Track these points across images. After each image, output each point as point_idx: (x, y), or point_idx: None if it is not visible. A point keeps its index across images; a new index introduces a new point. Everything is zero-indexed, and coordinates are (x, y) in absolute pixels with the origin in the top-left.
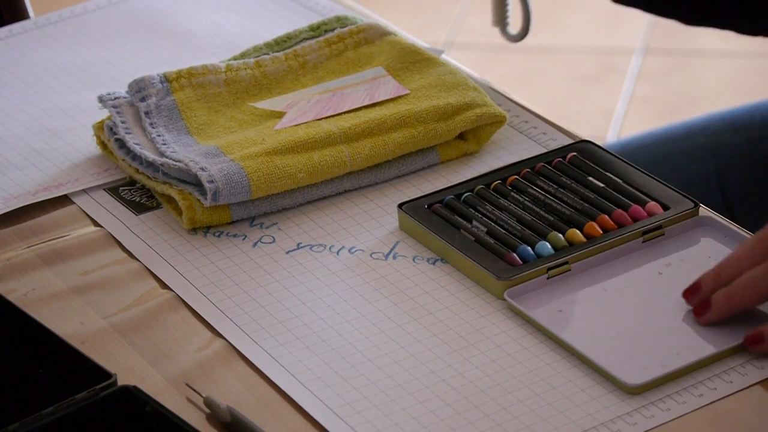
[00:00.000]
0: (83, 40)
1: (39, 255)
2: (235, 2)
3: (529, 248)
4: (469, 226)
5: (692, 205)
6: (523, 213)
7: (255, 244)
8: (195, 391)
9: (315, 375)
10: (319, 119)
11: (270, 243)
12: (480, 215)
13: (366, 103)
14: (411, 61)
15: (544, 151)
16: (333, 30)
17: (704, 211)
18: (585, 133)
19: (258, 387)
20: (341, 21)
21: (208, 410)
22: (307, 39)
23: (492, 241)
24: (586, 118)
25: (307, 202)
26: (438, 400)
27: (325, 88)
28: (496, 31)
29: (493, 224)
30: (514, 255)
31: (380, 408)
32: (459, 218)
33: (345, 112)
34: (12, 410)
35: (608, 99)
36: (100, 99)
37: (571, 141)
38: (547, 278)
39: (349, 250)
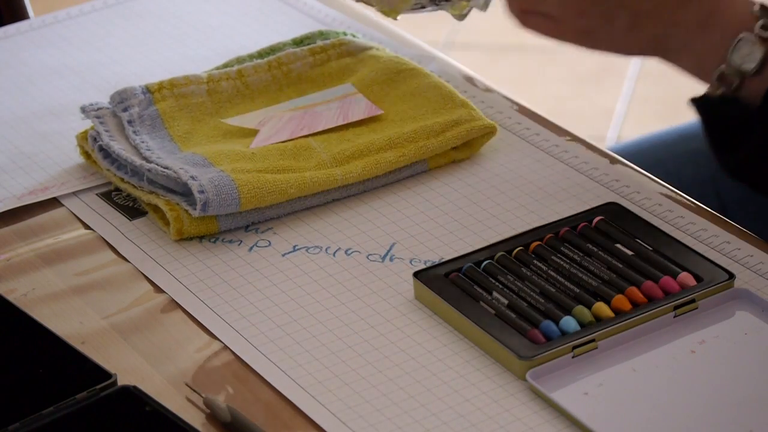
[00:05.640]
0: (77, 42)
1: (39, 255)
2: (229, 6)
3: (553, 324)
4: (489, 297)
5: (727, 276)
6: (546, 284)
7: (251, 248)
8: (195, 391)
9: (316, 380)
10: (305, 136)
11: (266, 246)
12: (501, 286)
13: (340, 122)
14: (395, 71)
15: (537, 152)
16: (315, 43)
17: (740, 282)
18: (585, 134)
19: (258, 387)
20: (324, 35)
21: (208, 410)
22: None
23: (513, 315)
24: (586, 118)
25: (294, 212)
26: (441, 403)
27: (294, 106)
28: (497, 31)
29: (514, 296)
30: (537, 332)
31: (382, 411)
32: (479, 289)
33: (326, 132)
34: (12, 410)
35: (608, 99)
36: (83, 110)
37: (566, 139)
38: (572, 357)
39: (346, 252)
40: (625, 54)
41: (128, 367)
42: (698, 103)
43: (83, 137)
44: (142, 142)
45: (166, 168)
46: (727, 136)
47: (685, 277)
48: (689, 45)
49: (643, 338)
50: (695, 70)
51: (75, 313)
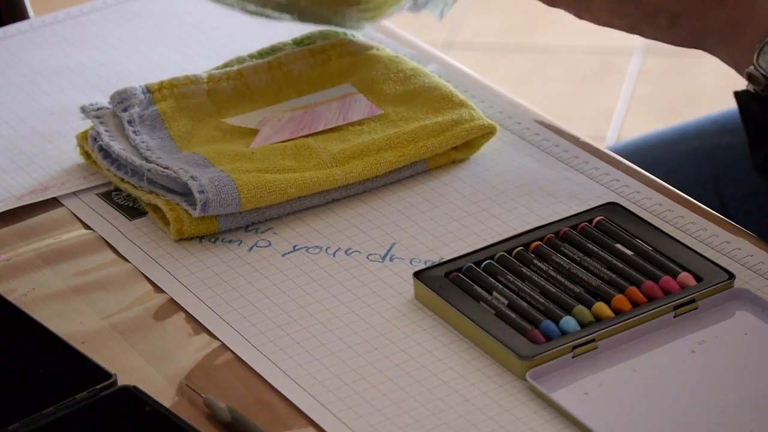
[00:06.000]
0: (77, 42)
1: (39, 255)
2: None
3: (553, 324)
4: (489, 297)
5: (727, 276)
6: (546, 284)
7: (251, 248)
8: (195, 391)
9: (316, 380)
10: (305, 136)
11: (266, 246)
12: (501, 286)
13: (340, 122)
14: (394, 71)
15: (538, 152)
16: (316, 43)
17: (740, 282)
18: (585, 133)
19: (258, 387)
20: (324, 35)
21: (208, 410)
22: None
23: (513, 315)
24: (586, 118)
25: (294, 212)
26: (441, 403)
27: (294, 106)
28: (497, 31)
29: (515, 296)
30: (538, 331)
31: (382, 411)
32: (479, 289)
33: (325, 132)
34: (12, 410)
35: (608, 99)
36: (83, 110)
37: (566, 139)
38: (572, 357)
39: (346, 252)
40: (672, 45)
41: (128, 367)
42: (738, 97)
43: (83, 137)
44: (142, 142)
45: (166, 168)
46: (759, 133)
47: (685, 277)
48: (725, 44)
49: (643, 338)
50: (732, 66)
51: (75, 313)
